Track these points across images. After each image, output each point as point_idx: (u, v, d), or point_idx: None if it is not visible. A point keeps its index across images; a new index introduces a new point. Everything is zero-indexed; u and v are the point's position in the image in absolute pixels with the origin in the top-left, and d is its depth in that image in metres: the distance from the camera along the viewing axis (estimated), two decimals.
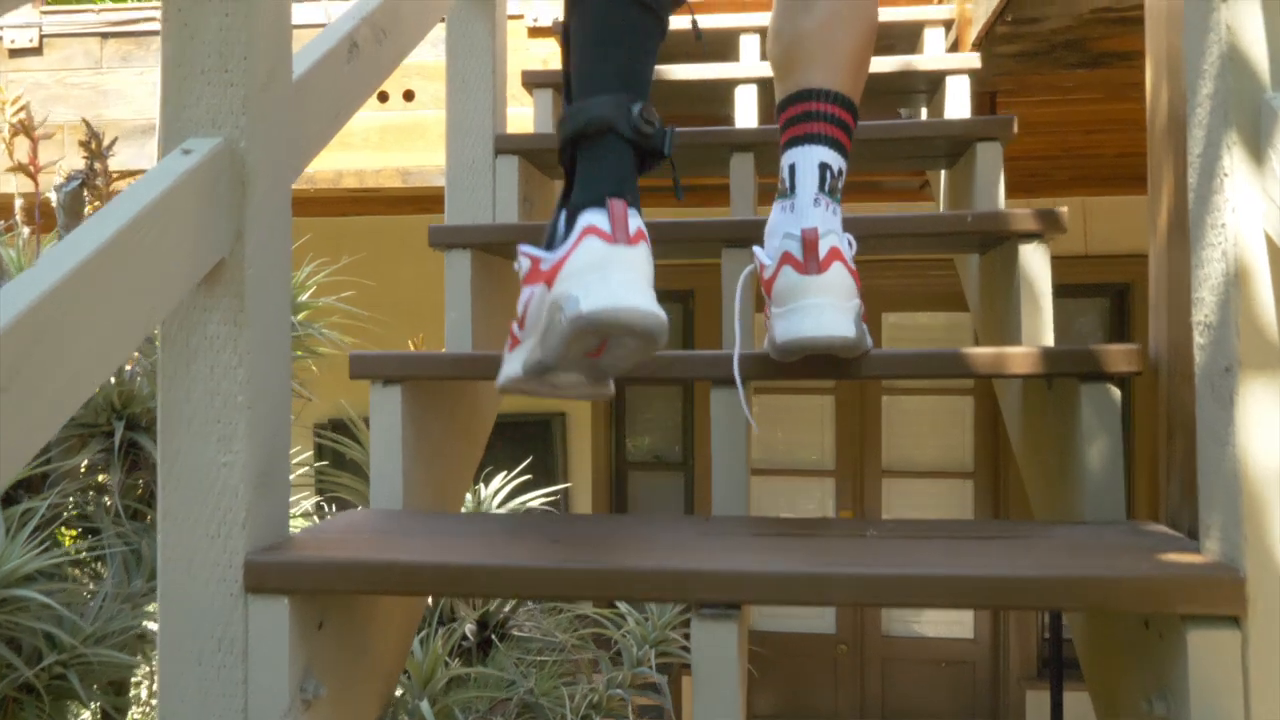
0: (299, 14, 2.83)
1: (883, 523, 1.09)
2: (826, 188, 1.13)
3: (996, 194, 1.73)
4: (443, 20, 1.81)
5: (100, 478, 1.70)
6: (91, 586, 1.58)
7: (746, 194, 1.79)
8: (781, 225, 1.13)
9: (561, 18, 1.18)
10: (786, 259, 1.09)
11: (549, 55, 2.70)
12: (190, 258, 0.94)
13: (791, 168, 1.14)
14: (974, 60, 2.05)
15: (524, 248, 1.06)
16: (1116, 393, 1.14)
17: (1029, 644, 4.54)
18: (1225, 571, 0.83)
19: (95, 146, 1.56)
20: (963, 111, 2.05)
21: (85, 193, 1.61)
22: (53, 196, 1.64)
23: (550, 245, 1.06)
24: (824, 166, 1.13)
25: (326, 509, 2.71)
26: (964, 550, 0.94)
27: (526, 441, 4.70)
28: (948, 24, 2.34)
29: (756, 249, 1.17)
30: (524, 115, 2.66)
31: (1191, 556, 0.89)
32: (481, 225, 1.59)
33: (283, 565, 0.95)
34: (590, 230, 0.97)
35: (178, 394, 0.99)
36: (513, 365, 1.10)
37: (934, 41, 2.33)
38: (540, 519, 1.19)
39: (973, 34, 2.19)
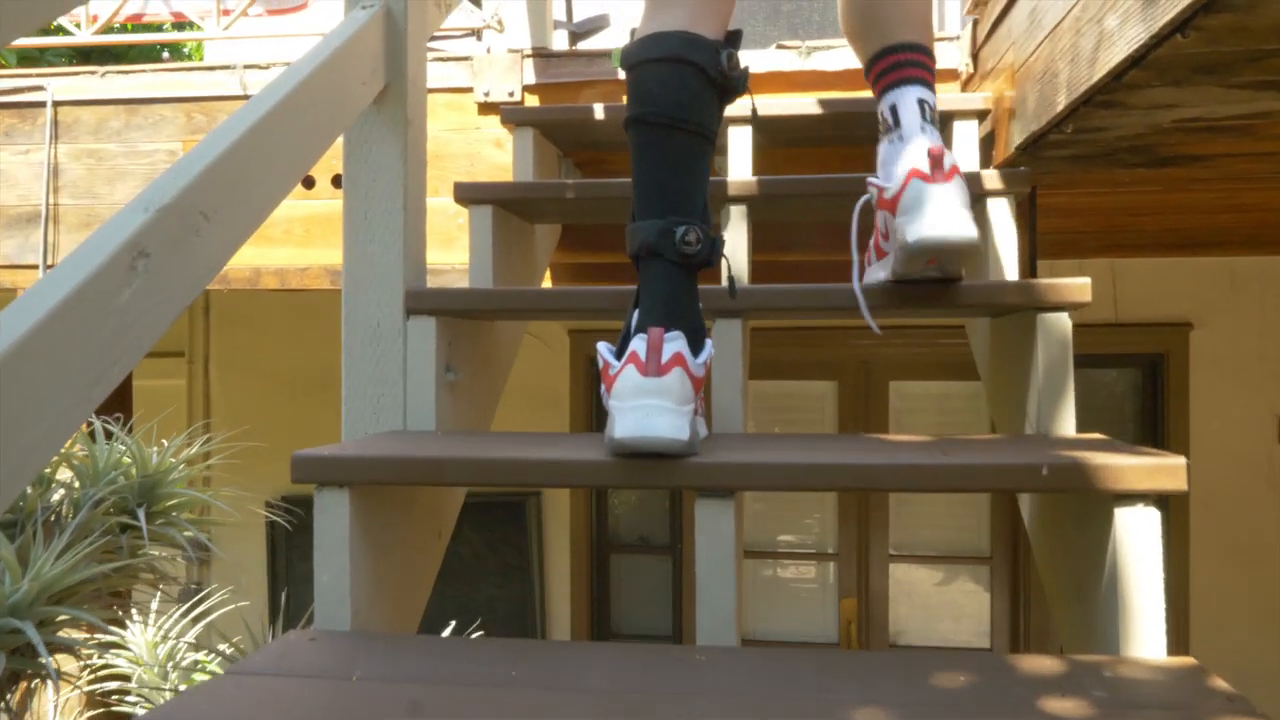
0: (212, 86, 2.40)
1: None
2: (928, 117, 1.31)
3: (1065, 384, 1.30)
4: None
5: None
6: None
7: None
8: (895, 153, 1.31)
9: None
10: (914, 173, 1.25)
11: (502, 136, 2.27)
12: None
13: (893, 107, 1.33)
14: (1021, 180, 1.63)
15: (603, 348, 1.20)
16: None
17: None
18: None
19: None
20: (1008, 239, 1.62)
21: None
22: None
23: (622, 345, 1.21)
24: (922, 102, 1.32)
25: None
26: None
27: (497, 525, 4.27)
28: (981, 115, 1.91)
29: (871, 178, 1.35)
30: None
31: None
32: (368, 457, 1.15)
33: None
34: (630, 359, 1.13)
35: None
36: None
37: (964, 136, 1.90)
38: None
39: (1016, 132, 1.76)
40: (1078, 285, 1.30)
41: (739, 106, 1.96)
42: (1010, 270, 1.61)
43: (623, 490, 4.42)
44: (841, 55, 2.20)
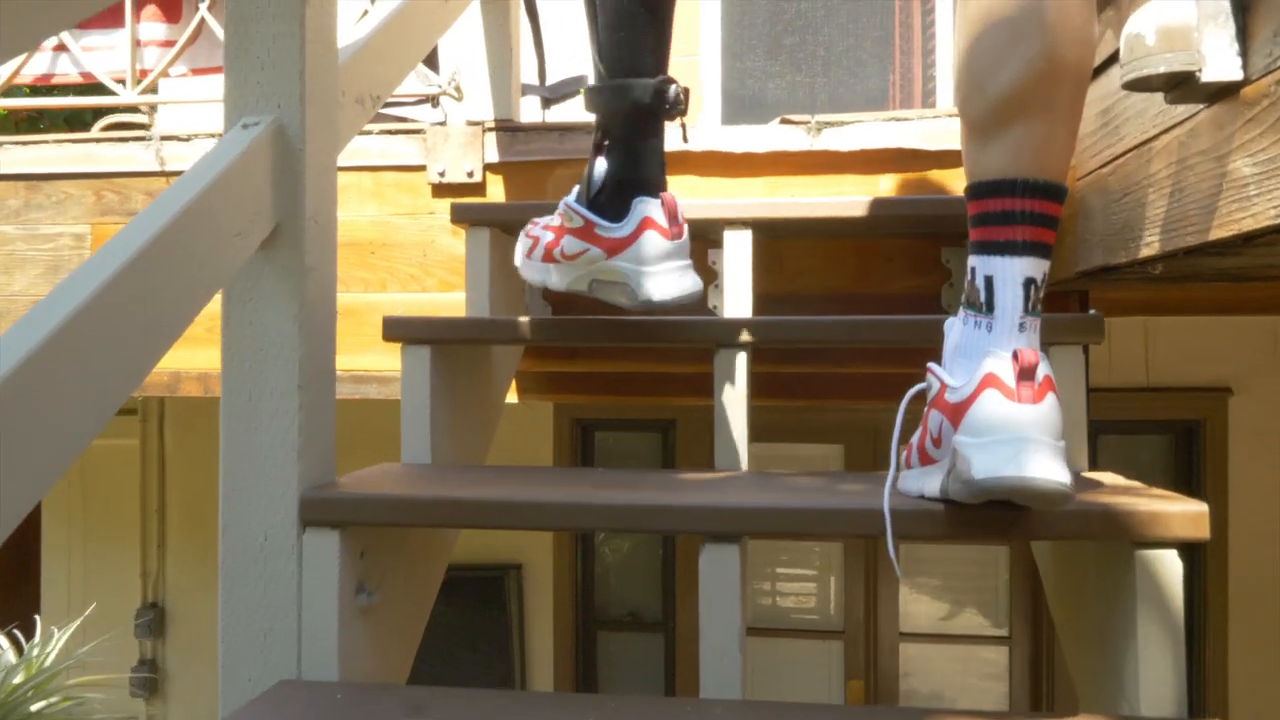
0: (124, 160, 2.06)
1: None
2: (1030, 305, 1.00)
3: (1176, 649, 0.97)
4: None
5: None
6: None
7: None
8: (976, 345, 1.01)
9: None
10: (992, 381, 0.95)
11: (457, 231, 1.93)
12: None
13: (988, 281, 1.01)
14: (1095, 328, 1.30)
15: (576, 205, 1.31)
16: None
17: None
18: None
19: None
20: (1074, 399, 1.29)
21: None
22: None
23: (593, 204, 1.30)
24: (1029, 283, 0.99)
25: None
26: None
27: (475, 601, 3.93)
28: None
29: (934, 367, 1.05)
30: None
31: None
32: None
33: None
34: (648, 224, 1.25)
35: None
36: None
37: None
38: None
39: (1079, 254, 1.44)
40: (1193, 516, 0.96)
41: (739, 208, 1.62)
42: (1077, 438, 1.28)
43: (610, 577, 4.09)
44: (856, 133, 1.87)
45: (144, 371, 0.88)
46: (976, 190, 1.03)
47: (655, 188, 1.28)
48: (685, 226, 1.27)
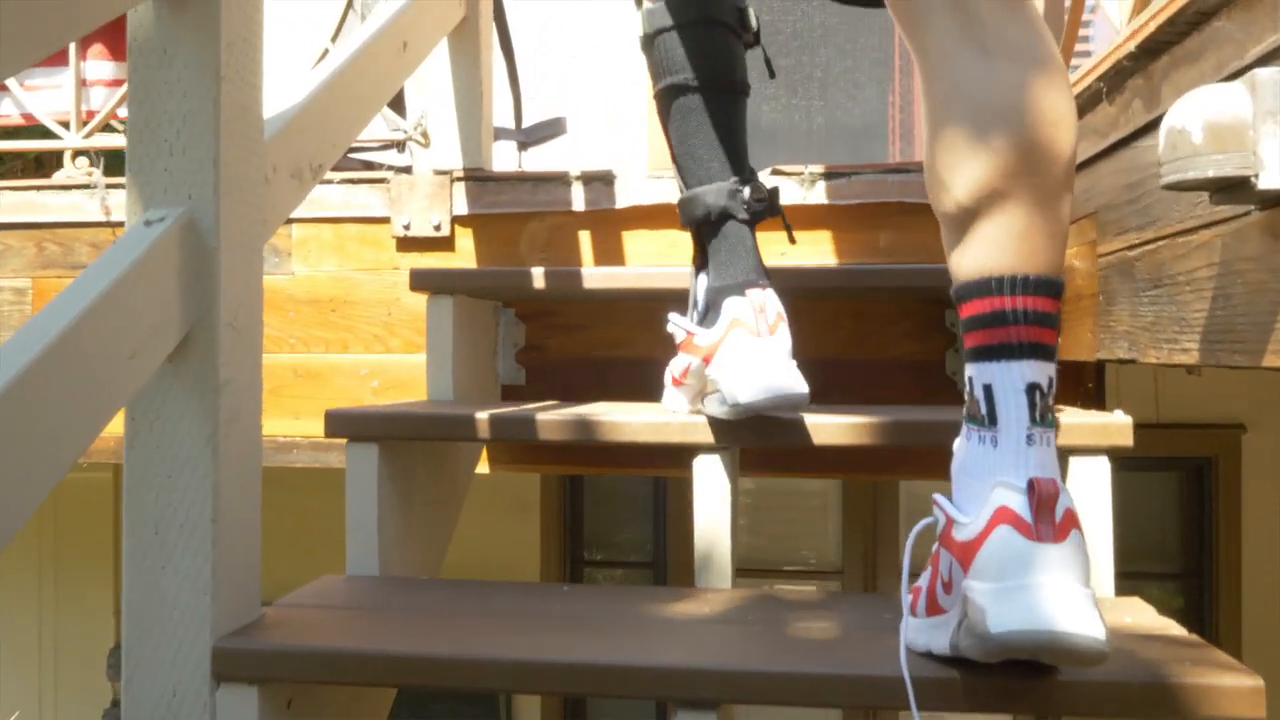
0: (68, 210, 1.92)
1: None
2: (1038, 414, 0.86)
3: None
4: None
5: None
6: None
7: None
8: (983, 465, 0.87)
9: None
10: (1005, 516, 0.82)
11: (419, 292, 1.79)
12: None
13: (987, 390, 0.88)
14: (1124, 432, 1.16)
15: (678, 320, 1.28)
16: None
17: None
18: None
19: None
20: (1099, 520, 1.15)
21: None
22: None
23: (700, 317, 1.26)
24: (1033, 389, 0.87)
25: None
26: None
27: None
28: None
29: (940, 500, 0.90)
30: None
31: None
32: None
33: None
34: (734, 325, 1.19)
35: None
36: None
37: None
38: None
39: (1100, 339, 1.30)
40: (1247, 692, 0.82)
41: None
42: (1103, 561, 1.14)
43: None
44: (854, 185, 1.73)
45: (18, 518, 0.74)
46: (962, 292, 0.91)
47: (745, 289, 1.22)
48: (783, 322, 1.20)
